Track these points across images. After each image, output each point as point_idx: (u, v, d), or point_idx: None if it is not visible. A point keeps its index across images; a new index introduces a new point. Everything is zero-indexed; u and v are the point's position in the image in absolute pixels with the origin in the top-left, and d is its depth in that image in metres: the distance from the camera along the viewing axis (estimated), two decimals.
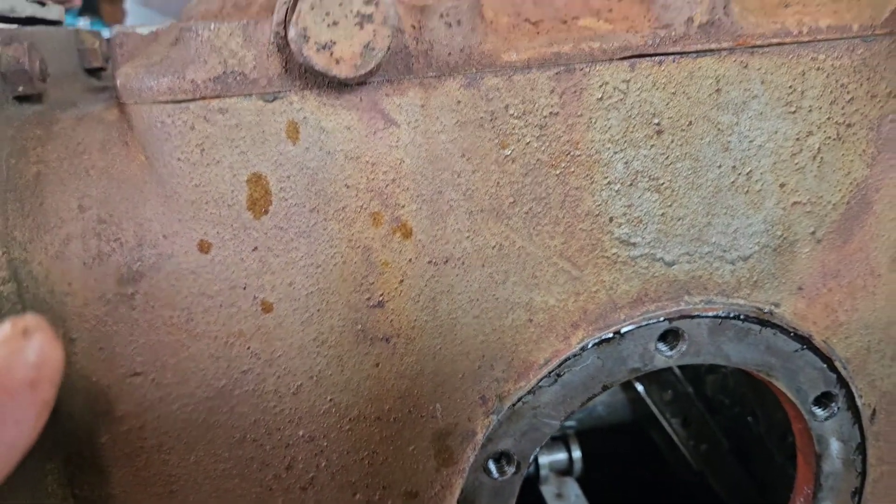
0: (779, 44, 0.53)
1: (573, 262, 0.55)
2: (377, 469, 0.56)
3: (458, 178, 0.51)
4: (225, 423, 0.53)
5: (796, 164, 0.56)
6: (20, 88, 0.56)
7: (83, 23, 3.04)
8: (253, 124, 0.48)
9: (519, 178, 0.52)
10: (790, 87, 0.54)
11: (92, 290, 0.49)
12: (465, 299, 0.54)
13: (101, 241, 0.49)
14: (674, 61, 0.52)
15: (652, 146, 0.53)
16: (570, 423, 0.86)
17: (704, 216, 0.56)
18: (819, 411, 0.62)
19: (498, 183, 0.52)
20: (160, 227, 0.49)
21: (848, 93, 0.55)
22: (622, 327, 0.56)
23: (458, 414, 0.57)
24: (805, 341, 0.60)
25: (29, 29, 0.63)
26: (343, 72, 0.46)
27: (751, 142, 0.55)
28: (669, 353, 0.58)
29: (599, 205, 0.54)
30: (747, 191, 0.56)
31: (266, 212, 0.50)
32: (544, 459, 0.87)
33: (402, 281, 0.53)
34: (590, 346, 0.56)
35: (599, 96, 0.52)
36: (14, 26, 0.68)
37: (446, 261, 0.53)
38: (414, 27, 0.49)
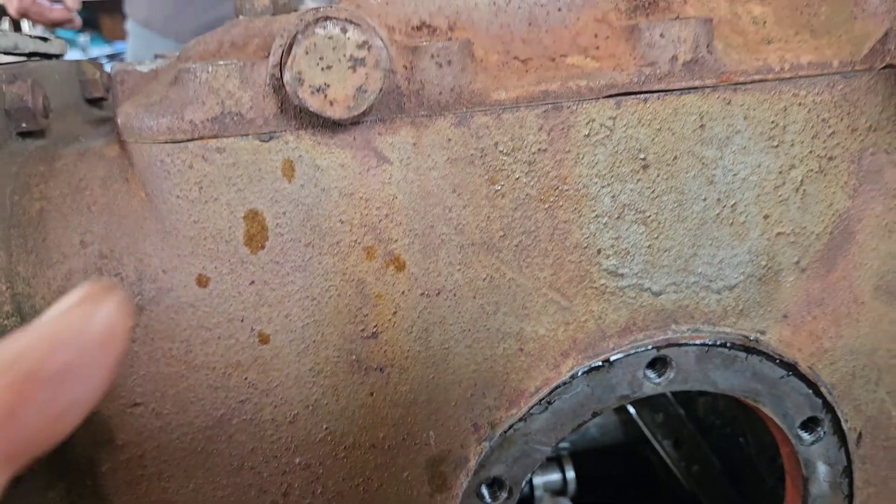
0: (761, 80, 0.55)
1: (562, 292, 0.56)
2: (372, 495, 0.58)
3: (449, 212, 0.53)
4: (223, 451, 0.54)
5: (779, 196, 0.57)
6: (23, 125, 0.58)
7: (84, 39, 3.06)
8: (249, 163, 0.50)
9: (509, 213, 0.54)
10: (772, 122, 0.55)
11: None
12: (458, 330, 0.55)
13: (103, 275, 0.51)
14: (658, 98, 0.54)
15: (638, 180, 0.55)
16: (564, 444, 0.87)
17: (690, 247, 0.57)
18: (805, 435, 0.64)
19: (488, 217, 0.53)
20: (160, 262, 0.51)
21: (829, 127, 0.57)
22: (611, 356, 0.58)
23: (452, 441, 0.58)
24: (790, 368, 0.61)
25: (32, 64, 0.65)
26: (337, 113, 0.48)
27: (735, 175, 0.56)
28: (658, 381, 0.59)
29: (588, 237, 0.55)
30: (732, 222, 0.57)
31: (262, 247, 0.51)
32: (538, 480, 0.89)
33: (395, 313, 0.54)
34: (579, 374, 0.57)
35: (586, 133, 0.53)
36: (19, 60, 0.70)
37: (438, 293, 0.54)
38: (406, 67, 0.50)
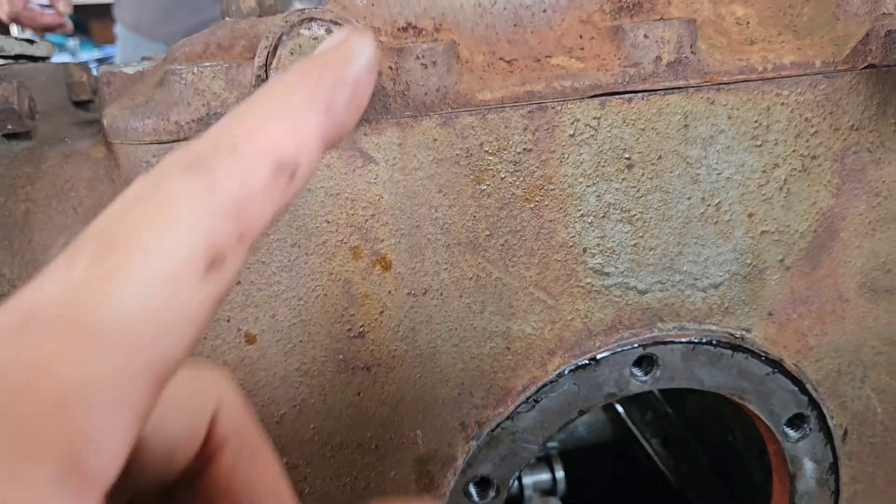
0: (744, 80, 0.55)
1: (549, 291, 0.56)
2: (359, 494, 0.58)
3: (435, 212, 0.53)
4: None
5: (763, 195, 0.58)
6: (9, 126, 0.58)
7: (73, 43, 3.06)
8: None
9: (494, 212, 0.54)
10: (756, 121, 0.56)
11: None
12: (444, 329, 0.55)
13: None
14: (643, 98, 0.54)
15: (623, 180, 0.55)
16: (553, 443, 0.87)
17: (676, 246, 0.57)
18: (792, 432, 0.64)
19: (474, 217, 0.54)
20: None
21: (812, 126, 0.57)
22: (597, 354, 0.58)
23: (439, 440, 0.58)
24: (776, 365, 0.61)
25: (18, 66, 0.65)
26: None
27: (719, 174, 0.56)
28: (644, 379, 0.59)
29: (573, 236, 0.55)
30: (717, 221, 0.58)
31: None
32: (528, 480, 0.89)
33: (381, 312, 0.54)
34: (566, 372, 0.58)
35: (571, 133, 0.53)
36: (4, 62, 0.70)
37: (425, 292, 0.54)
38: (391, 69, 0.51)
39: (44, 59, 0.78)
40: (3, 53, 0.69)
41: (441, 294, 0.55)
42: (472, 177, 0.53)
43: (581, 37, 0.56)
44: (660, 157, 0.55)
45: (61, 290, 0.20)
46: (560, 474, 0.87)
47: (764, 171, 0.57)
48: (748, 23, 0.59)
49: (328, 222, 0.52)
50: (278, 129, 0.23)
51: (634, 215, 0.56)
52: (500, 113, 0.52)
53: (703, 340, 0.59)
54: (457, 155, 0.52)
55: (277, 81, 0.25)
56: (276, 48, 0.47)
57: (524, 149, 0.53)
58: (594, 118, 0.54)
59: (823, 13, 0.59)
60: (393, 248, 0.53)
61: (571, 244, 0.56)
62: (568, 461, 0.87)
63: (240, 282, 0.52)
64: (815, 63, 0.56)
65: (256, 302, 0.52)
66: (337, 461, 0.56)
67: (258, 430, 0.30)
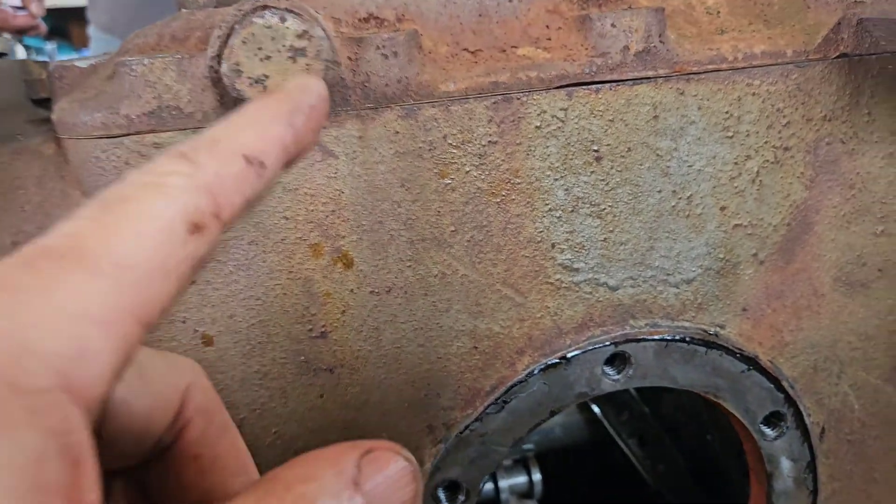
0: (714, 70, 0.54)
1: (516, 288, 0.55)
2: None
3: (398, 207, 0.51)
4: None
5: (736, 187, 0.56)
6: None
7: (51, 47, 3.02)
8: None
9: (459, 207, 0.52)
10: (727, 112, 0.55)
11: None
12: (409, 328, 0.54)
13: None
14: (611, 89, 0.53)
15: (592, 173, 0.54)
16: (528, 445, 0.86)
17: (647, 240, 0.56)
18: (768, 431, 0.63)
19: (438, 212, 0.52)
20: None
21: (784, 117, 0.56)
22: (568, 352, 0.56)
23: (406, 443, 0.56)
24: (751, 362, 0.60)
25: None
26: None
27: (690, 166, 0.55)
28: (616, 377, 0.58)
29: (541, 231, 0.54)
30: (688, 215, 0.56)
31: None
32: (504, 483, 0.87)
33: (344, 311, 0.52)
34: (536, 371, 0.56)
35: (538, 125, 0.52)
36: None
37: (389, 290, 0.53)
38: (350, 59, 0.49)
39: (1, 55, 0.76)
40: None
41: (405, 292, 0.53)
42: (435, 170, 0.51)
43: (548, 27, 0.55)
44: (629, 150, 0.54)
45: (64, 237, 0.24)
46: (537, 477, 0.85)
47: (736, 163, 0.56)
48: (719, 12, 0.58)
49: (286, 219, 0.50)
50: (248, 134, 0.29)
51: (604, 209, 0.55)
52: (464, 104, 0.51)
53: (676, 338, 0.58)
54: (419, 148, 0.51)
55: (251, 104, 0.31)
56: (228, 37, 0.45)
57: (489, 141, 0.52)
58: (561, 109, 0.52)
59: (795, 2, 0.58)
60: (355, 244, 0.51)
61: (539, 240, 0.54)
62: (545, 463, 0.86)
63: (195, 281, 0.50)
64: (786, 52, 0.55)
65: (213, 302, 0.50)
66: None
67: (225, 411, 0.35)
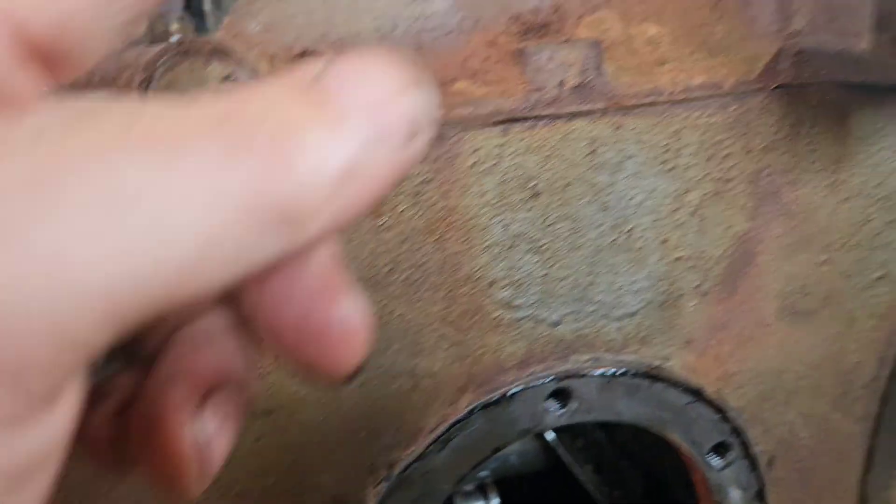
0: (652, 104, 0.53)
1: (456, 326, 0.54)
2: None
3: None
4: None
5: (676, 220, 0.56)
6: None
7: None
8: None
9: (395, 247, 0.51)
10: (665, 145, 0.54)
11: None
12: None
13: None
14: (547, 125, 0.52)
15: (530, 209, 0.53)
16: (484, 472, 0.85)
17: (587, 275, 0.56)
18: (715, 461, 0.62)
19: (374, 252, 0.51)
20: None
21: (724, 149, 0.56)
22: (510, 389, 0.56)
23: (348, 484, 0.55)
24: (696, 394, 0.60)
25: None
26: None
27: (629, 200, 0.55)
28: (560, 412, 0.58)
29: (479, 269, 0.53)
30: (629, 248, 0.56)
31: None
32: None
33: None
34: (477, 409, 0.55)
35: (473, 162, 0.51)
36: None
37: None
38: None
39: None
40: None
41: None
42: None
43: (487, 59, 0.54)
44: (567, 185, 0.53)
45: None
46: (495, 502, 0.85)
47: (676, 196, 0.56)
48: (660, 43, 0.57)
49: None
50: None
51: (543, 245, 0.54)
52: None
53: (619, 372, 0.58)
54: None
55: None
56: (149, 83, 0.45)
57: (423, 180, 0.51)
58: (496, 146, 0.51)
59: (736, 30, 0.58)
60: None
61: (478, 277, 0.53)
62: (503, 488, 0.85)
63: None
64: (724, 83, 0.55)
65: None
66: None
67: None
